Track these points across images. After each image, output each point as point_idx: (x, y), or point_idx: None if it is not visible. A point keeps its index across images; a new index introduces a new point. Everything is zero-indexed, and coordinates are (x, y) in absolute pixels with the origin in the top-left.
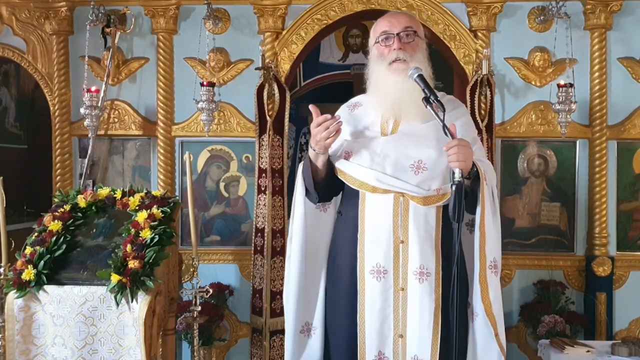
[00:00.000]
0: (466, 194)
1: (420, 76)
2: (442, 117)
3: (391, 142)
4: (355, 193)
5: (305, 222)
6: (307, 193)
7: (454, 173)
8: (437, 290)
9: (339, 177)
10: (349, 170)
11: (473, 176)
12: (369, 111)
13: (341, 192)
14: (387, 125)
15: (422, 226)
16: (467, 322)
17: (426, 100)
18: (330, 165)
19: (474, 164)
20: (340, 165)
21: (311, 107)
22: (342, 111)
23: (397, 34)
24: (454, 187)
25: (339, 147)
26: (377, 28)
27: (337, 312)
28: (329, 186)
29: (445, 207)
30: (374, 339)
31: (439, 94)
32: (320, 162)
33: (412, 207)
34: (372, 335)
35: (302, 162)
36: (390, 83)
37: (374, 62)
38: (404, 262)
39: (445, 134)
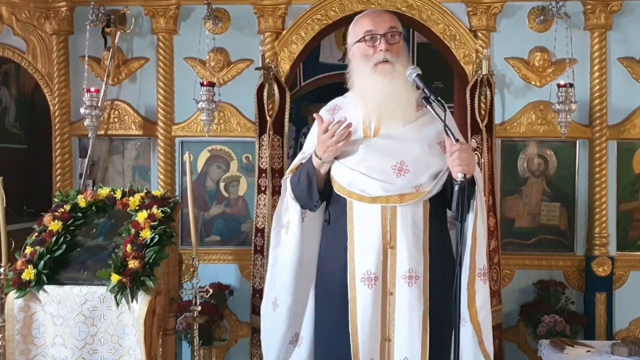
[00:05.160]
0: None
1: (419, 75)
2: (443, 117)
3: (373, 145)
4: (343, 201)
5: (301, 229)
6: (298, 200)
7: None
8: (426, 293)
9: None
10: (337, 176)
11: (468, 182)
12: (351, 114)
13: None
14: (369, 129)
15: (410, 230)
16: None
17: (426, 100)
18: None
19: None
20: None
21: (315, 115)
22: (323, 115)
23: (384, 35)
24: (456, 187)
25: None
26: (359, 27)
27: (329, 322)
28: (322, 194)
29: (432, 207)
30: (367, 347)
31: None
32: (323, 170)
33: (399, 211)
34: (365, 343)
35: (296, 175)
36: (377, 85)
37: (357, 62)
38: (392, 267)
39: (447, 134)
